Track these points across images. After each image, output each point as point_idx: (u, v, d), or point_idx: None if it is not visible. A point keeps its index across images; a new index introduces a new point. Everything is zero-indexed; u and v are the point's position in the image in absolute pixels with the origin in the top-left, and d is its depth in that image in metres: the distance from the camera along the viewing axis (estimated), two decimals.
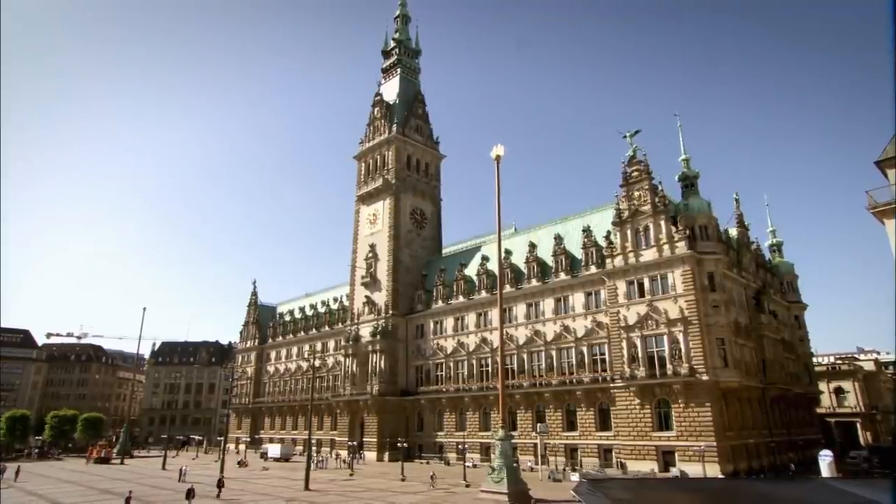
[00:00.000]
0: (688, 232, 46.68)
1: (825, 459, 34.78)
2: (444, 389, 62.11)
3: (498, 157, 38.07)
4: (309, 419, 42.58)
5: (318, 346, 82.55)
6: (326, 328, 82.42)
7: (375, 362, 66.78)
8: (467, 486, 38.33)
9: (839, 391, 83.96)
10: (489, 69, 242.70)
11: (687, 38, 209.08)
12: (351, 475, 48.66)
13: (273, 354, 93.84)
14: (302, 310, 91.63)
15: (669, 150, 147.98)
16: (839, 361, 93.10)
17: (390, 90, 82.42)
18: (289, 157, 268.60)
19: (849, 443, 72.53)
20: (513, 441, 37.83)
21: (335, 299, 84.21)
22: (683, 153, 51.66)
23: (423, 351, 66.49)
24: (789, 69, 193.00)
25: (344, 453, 64.39)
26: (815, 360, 75.33)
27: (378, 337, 66.93)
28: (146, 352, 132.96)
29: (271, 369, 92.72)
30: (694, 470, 40.77)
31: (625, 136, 52.26)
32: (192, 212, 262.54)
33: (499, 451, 32.81)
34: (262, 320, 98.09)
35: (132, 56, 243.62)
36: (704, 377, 43.06)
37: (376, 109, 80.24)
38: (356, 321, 72.47)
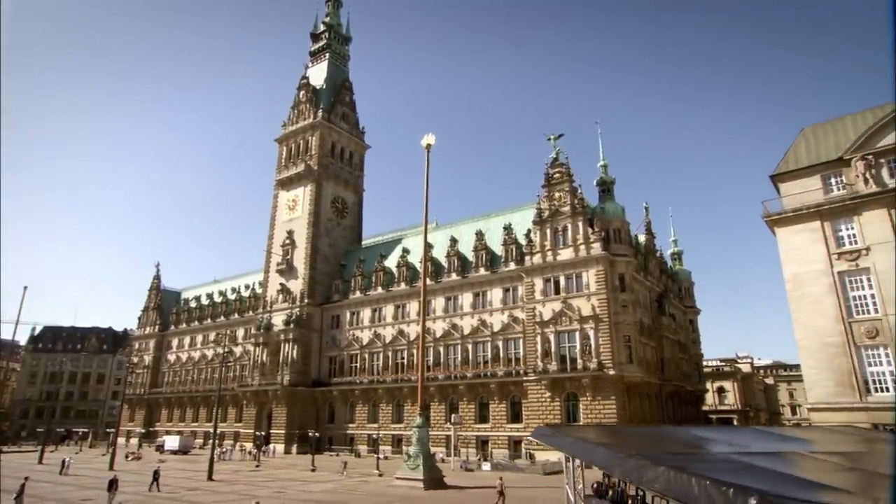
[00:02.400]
0: (603, 234, 49.06)
1: None
2: (357, 381, 61.27)
3: (429, 146, 38.20)
4: (216, 409, 40.26)
5: (226, 334, 78.65)
6: (236, 316, 78.76)
7: (287, 352, 64.66)
8: (380, 475, 38.04)
9: (721, 390, 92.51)
10: (417, 65, 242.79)
11: (611, 51, 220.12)
12: (257, 466, 46.81)
13: (175, 342, 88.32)
14: (210, 296, 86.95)
15: (590, 155, 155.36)
16: (722, 364, 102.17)
17: (317, 75, 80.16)
18: (198, 137, 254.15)
19: None
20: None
21: (247, 286, 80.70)
22: (602, 159, 54.25)
23: (338, 341, 65.23)
24: (699, 86, 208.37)
25: (249, 445, 61.82)
26: (703, 361, 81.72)
27: (292, 326, 64.86)
28: (24, 337, 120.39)
29: (172, 358, 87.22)
30: None
31: (549, 139, 54.08)
32: (85, 186, 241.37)
33: (415, 439, 32.87)
34: (165, 306, 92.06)
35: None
36: (611, 372, 45.41)
37: (302, 93, 77.74)
38: (269, 309, 69.79)
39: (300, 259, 69.08)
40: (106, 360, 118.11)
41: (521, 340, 51.52)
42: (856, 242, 28.73)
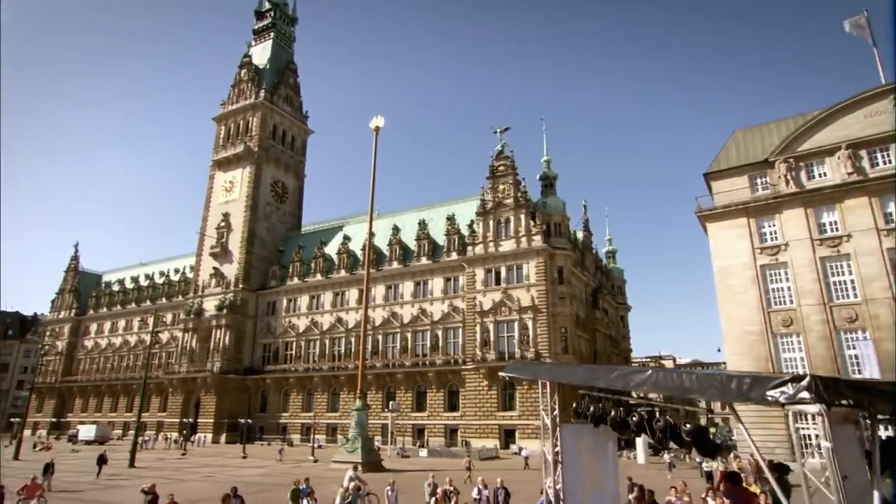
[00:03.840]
0: (544, 227, 50.29)
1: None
2: (293, 369, 59.87)
3: (377, 128, 37.86)
4: (142, 395, 38.30)
5: (152, 319, 74.55)
6: (164, 300, 74.94)
7: (219, 338, 62.26)
8: (315, 461, 37.37)
9: None
10: (363, 54, 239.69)
11: (556, 51, 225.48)
12: (183, 454, 44.82)
13: (94, 328, 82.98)
14: (135, 280, 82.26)
15: (534, 152, 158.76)
16: (648, 360, 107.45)
17: (261, 54, 77.52)
18: (125, 110, 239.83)
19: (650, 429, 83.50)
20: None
21: (177, 270, 77.01)
22: (546, 155, 55.57)
23: (273, 329, 63.46)
24: (639, 89, 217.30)
25: (175, 435, 59.10)
26: (632, 356, 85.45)
27: (225, 311, 62.50)
28: None
29: (90, 344, 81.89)
30: (532, 446, 43.87)
31: (495, 132, 54.82)
32: None
33: (355, 422, 32.55)
34: (84, 289, 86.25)
35: None
36: (548, 361, 46.57)
37: (243, 71, 74.94)
38: (201, 294, 66.91)
39: (236, 243, 66.64)
40: (11, 346, 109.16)
41: (460, 330, 51.97)
42: (776, 238, 30.91)
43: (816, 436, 27.19)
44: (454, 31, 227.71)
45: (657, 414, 4.95)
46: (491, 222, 52.07)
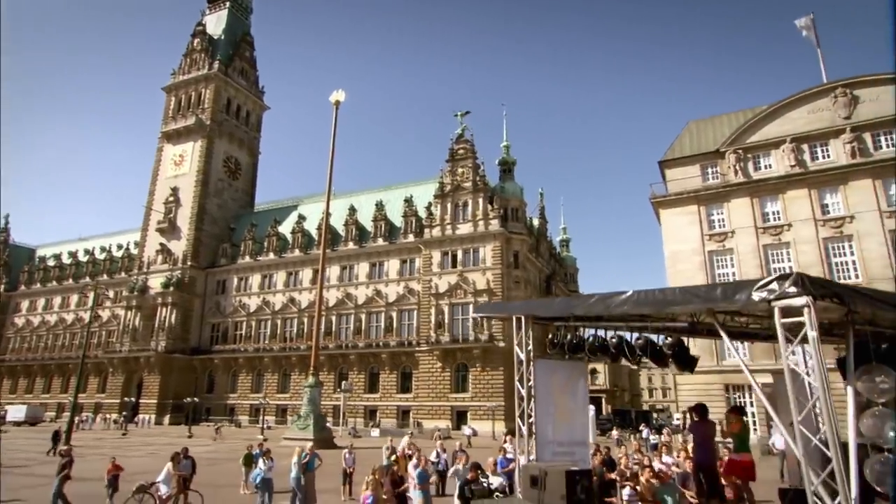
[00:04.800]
0: (501, 212, 50.71)
1: (590, 412, 40.78)
2: (242, 349, 58.48)
3: (337, 102, 37.11)
4: (79, 374, 36.30)
5: (93, 295, 71.08)
6: (105, 277, 71.41)
7: (165, 317, 60.05)
8: (265, 439, 36.56)
9: (593, 371, 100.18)
10: (323, 31, 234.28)
11: (517, 42, 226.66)
12: (124, 434, 43.14)
13: (25, 304, 78.45)
14: (73, 255, 78.05)
15: (494, 138, 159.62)
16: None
17: (215, 24, 74.45)
18: (65, 73, 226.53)
19: (597, 411, 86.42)
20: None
21: (120, 246, 73.62)
22: (505, 140, 55.89)
23: (222, 308, 61.72)
24: (599, 80, 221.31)
25: (115, 416, 56.80)
26: None
27: (172, 289, 60.27)
28: None
29: (21, 322, 77.38)
30: (483, 428, 44.51)
31: (456, 115, 54.81)
32: None
33: (307, 399, 32.13)
34: (15, 263, 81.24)
35: None
36: (501, 344, 47.18)
37: (196, 41, 71.82)
38: (146, 271, 64.24)
39: (185, 219, 64.21)
40: None
41: (415, 312, 51.93)
42: (724, 226, 32.23)
43: (752, 404, 28.90)
44: (417, 12, 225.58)
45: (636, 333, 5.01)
46: (449, 205, 52.10)
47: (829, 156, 32.08)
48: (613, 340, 5.11)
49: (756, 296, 3.81)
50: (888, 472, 3.67)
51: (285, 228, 62.34)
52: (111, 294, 69.34)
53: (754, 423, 27.59)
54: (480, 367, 47.23)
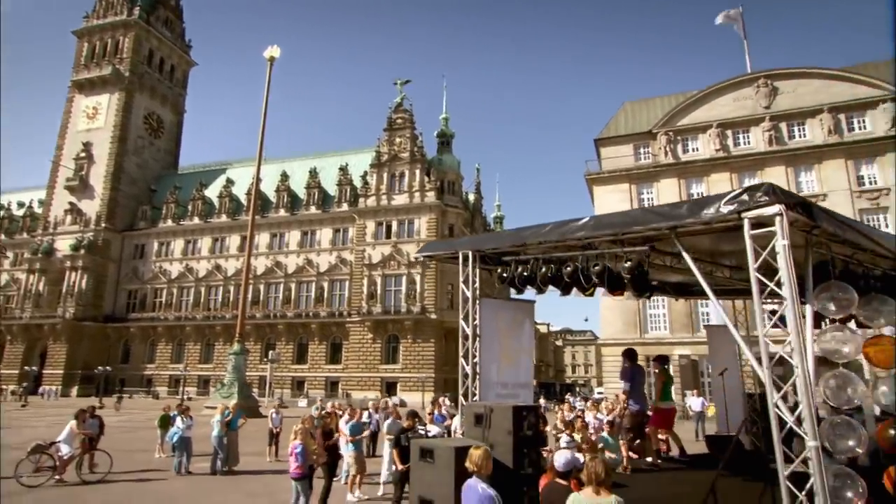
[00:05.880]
0: (438, 184, 50.37)
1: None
2: (162, 317, 55.40)
3: (272, 59, 35.22)
4: None
5: None
6: (2, 237, 65.32)
7: (74, 282, 55.76)
8: (183, 401, 34.96)
9: None
10: None
11: (460, 17, 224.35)
12: (24, 406, 39.93)
13: None
14: None
15: (433, 110, 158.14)
16: None
17: None
18: None
19: None
20: None
21: (21, 204, 67.37)
22: (444, 112, 55.31)
23: (140, 274, 58.07)
24: (538, 62, 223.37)
25: (13, 387, 52.48)
26: None
27: (83, 252, 55.89)
28: None
29: None
30: (413, 398, 44.61)
31: (395, 83, 53.56)
32: None
33: (231, 367, 30.91)
34: None
35: None
36: (433, 316, 47.29)
37: None
38: (52, 231, 59.16)
39: (99, 177, 59.45)
40: None
41: (347, 282, 51.01)
42: (654, 204, 33.37)
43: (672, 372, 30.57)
44: None
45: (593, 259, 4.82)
46: (385, 175, 51.17)
47: (749, 142, 33.86)
48: (568, 269, 4.89)
49: (725, 208, 3.69)
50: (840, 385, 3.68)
51: (212, 192, 59.16)
52: (11, 256, 63.64)
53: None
54: (412, 338, 47.17)
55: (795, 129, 33.60)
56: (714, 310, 31.20)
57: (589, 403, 20.64)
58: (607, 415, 11.79)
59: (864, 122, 32.43)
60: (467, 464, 3.91)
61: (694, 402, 19.09)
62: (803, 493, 3.21)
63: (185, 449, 11.90)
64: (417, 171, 50.43)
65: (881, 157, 31.09)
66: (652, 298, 31.89)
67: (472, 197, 65.57)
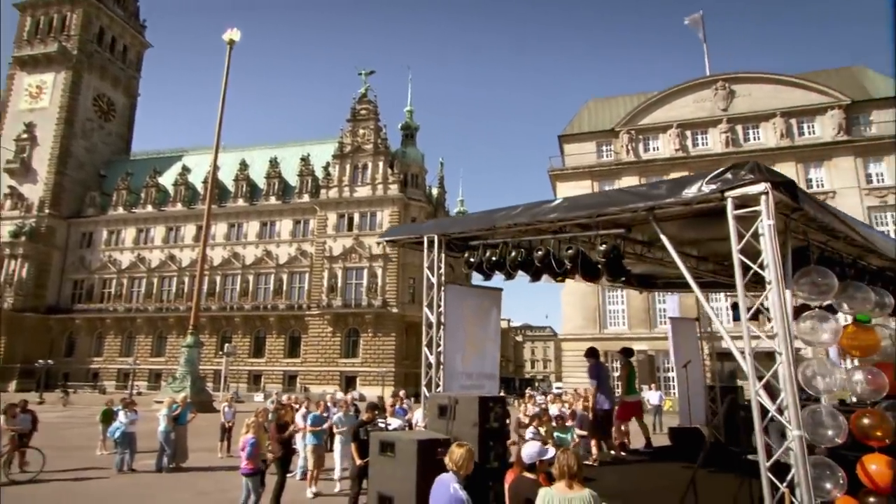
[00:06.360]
0: (401, 177, 49.85)
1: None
2: (111, 308, 53.06)
3: (231, 42, 34.05)
4: None
5: None
6: None
7: (14, 270, 52.80)
8: (129, 395, 33.57)
9: None
10: None
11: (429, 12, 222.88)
12: None
13: None
14: None
15: (398, 103, 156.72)
16: None
17: None
18: None
19: None
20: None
21: None
22: (409, 105, 54.78)
23: (87, 263, 55.43)
24: (506, 52, 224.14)
25: None
26: None
27: (23, 239, 52.94)
28: None
29: None
30: (372, 393, 44.11)
31: (360, 74, 52.67)
32: None
33: (184, 360, 29.81)
34: None
35: None
36: (394, 310, 46.86)
37: None
38: None
39: (42, 160, 56.37)
40: None
41: (307, 274, 50.00)
42: None
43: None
44: None
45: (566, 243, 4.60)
46: (348, 166, 50.32)
47: (707, 143, 34.67)
48: (539, 253, 4.66)
49: (707, 187, 3.52)
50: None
51: (167, 180, 56.95)
52: None
53: None
54: (372, 332, 46.64)
55: (750, 131, 34.61)
56: (671, 305, 31.89)
57: (550, 397, 20.77)
58: (569, 408, 11.72)
59: (813, 127, 33.66)
60: (447, 461, 3.63)
61: (652, 396, 19.40)
62: (784, 484, 3.08)
63: (129, 445, 11.22)
64: (381, 164, 49.79)
65: (828, 161, 32.36)
66: (612, 294, 32.35)
67: (435, 191, 65.16)
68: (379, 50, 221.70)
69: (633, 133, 34.73)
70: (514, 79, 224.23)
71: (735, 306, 8.34)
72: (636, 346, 32.35)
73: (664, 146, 34.69)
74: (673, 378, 25.02)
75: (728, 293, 8.89)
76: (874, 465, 3.72)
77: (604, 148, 35.38)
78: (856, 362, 4.38)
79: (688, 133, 34.78)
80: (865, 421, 3.80)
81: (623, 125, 35.11)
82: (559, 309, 35.44)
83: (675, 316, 10.03)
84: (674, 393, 23.29)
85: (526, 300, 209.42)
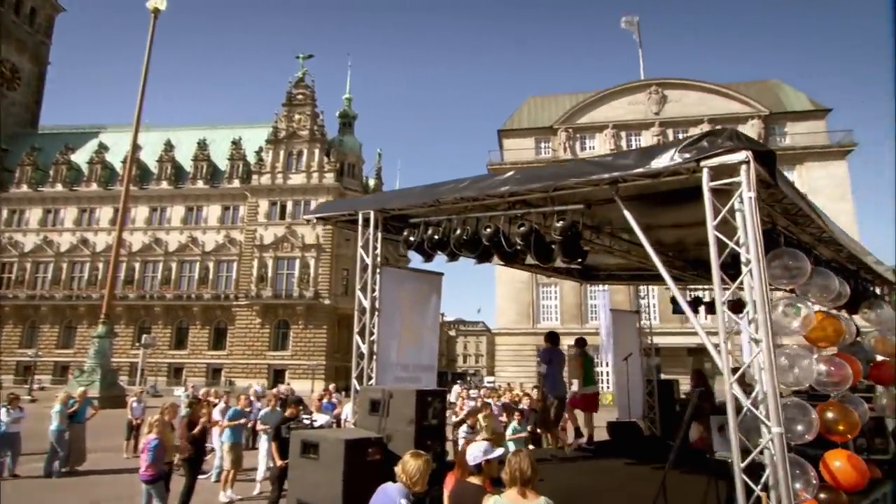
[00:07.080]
0: (338, 166, 48.60)
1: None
2: (11, 295, 48.55)
3: (156, 10, 31.65)
4: None
5: None
6: None
7: None
8: (33, 400, 30.72)
9: None
10: None
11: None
12: None
13: None
14: None
15: (336, 92, 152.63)
16: None
17: None
18: None
19: None
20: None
21: None
22: (348, 93, 53.46)
23: None
24: (446, 48, 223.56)
25: None
26: None
27: None
28: None
29: None
30: (302, 387, 42.68)
31: (298, 57, 50.89)
32: None
33: (94, 352, 27.50)
34: None
35: None
36: (327, 302, 45.61)
37: None
38: None
39: None
40: None
41: (235, 263, 47.80)
42: None
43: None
44: None
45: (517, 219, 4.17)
46: (282, 152, 48.44)
47: (641, 144, 35.67)
48: (487, 231, 4.20)
49: (680, 156, 3.17)
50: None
51: (81, 158, 52.69)
52: None
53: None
54: (303, 324, 45.23)
55: (681, 135, 35.84)
56: (602, 300, 32.65)
57: (483, 392, 20.59)
58: (512, 402, 11.48)
59: None
60: (398, 471, 3.03)
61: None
62: (759, 486, 2.78)
63: (11, 447, 9.85)
64: (317, 151, 48.23)
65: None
66: (545, 289, 32.61)
67: (372, 182, 63.94)
68: (319, 38, 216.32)
69: (570, 131, 35.24)
70: (455, 74, 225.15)
71: (694, 302, 8.32)
72: (568, 342, 33.17)
73: (600, 145, 35.41)
74: (607, 373, 25.59)
75: (689, 287, 8.83)
76: (838, 462, 3.54)
77: (542, 145, 35.71)
78: (823, 353, 4.23)
79: (623, 134, 35.67)
80: (829, 415, 3.62)
81: (561, 123, 35.56)
82: (493, 304, 35.61)
83: (615, 308, 9.93)
84: (607, 387, 23.74)
85: (459, 295, 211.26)
